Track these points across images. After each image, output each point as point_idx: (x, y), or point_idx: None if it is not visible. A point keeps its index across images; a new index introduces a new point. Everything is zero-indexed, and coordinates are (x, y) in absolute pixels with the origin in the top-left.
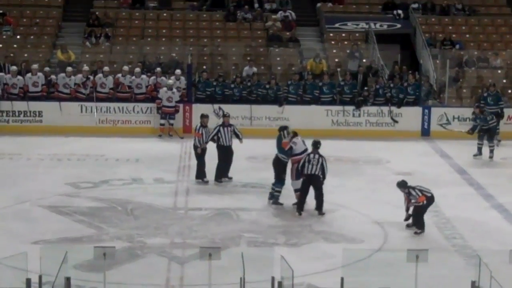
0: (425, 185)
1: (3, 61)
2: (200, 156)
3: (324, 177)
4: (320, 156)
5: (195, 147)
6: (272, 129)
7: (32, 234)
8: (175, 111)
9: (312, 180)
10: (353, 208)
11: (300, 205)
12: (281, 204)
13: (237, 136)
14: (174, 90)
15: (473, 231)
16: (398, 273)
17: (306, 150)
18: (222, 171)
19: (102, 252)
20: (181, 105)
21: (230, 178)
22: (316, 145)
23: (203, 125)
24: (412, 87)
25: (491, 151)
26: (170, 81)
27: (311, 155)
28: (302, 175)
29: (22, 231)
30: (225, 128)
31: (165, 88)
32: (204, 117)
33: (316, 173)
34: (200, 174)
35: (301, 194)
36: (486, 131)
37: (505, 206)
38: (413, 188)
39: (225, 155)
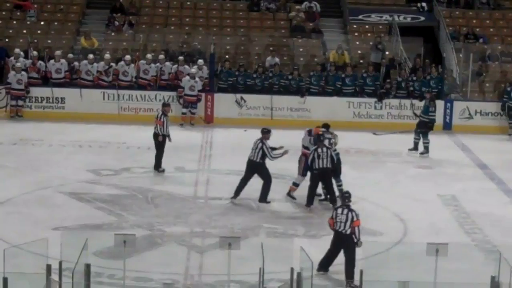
0: (446, 178)
1: (26, 47)
2: (160, 145)
3: (333, 170)
4: (328, 148)
5: (156, 136)
6: (293, 120)
7: (53, 220)
8: (197, 100)
9: (325, 174)
10: (373, 201)
11: (310, 199)
12: (295, 198)
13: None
14: (197, 79)
15: (493, 226)
16: (418, 266)
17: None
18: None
19: (122, 239)
20: (203, 95)
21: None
22: (320, 138)
23: (165, 114)
24: (435, 81)
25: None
26: (193, 70)
27: (319, 150)
28: (312, 170)
29: (43, 217)
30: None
31: (187, 77)
32: (166, 105)
33: (327, 166)
34: (158, 164)
35: (312, 188)
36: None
37: None
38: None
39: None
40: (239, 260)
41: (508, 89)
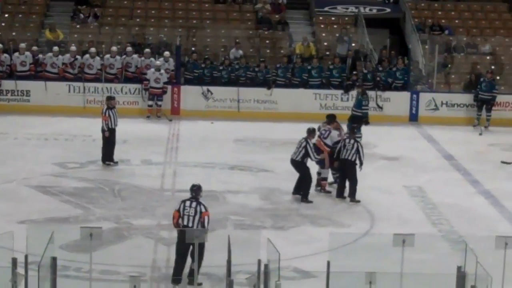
0: (413, 170)
1: None
2: (108, 139)
3: (361, 163)
4: (356, 141)
5: (103, 131)
6: (260, 112)
7: (18, 214)
8: (163, 92)
9: (346, 165)
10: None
11: (340, 190)
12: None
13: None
14: (162, 71)
15: (459, 217)
16: (384, 257)
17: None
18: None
19: (88, 232)
20: (169, 87)
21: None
22: (353, 130)
23: (110, 107)
24: (401, 72)
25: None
26: (158, 62)
27: (347, 140)
28: (337, 161)
29: (9, 210)
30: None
31: (152, 69)
32: (110, 99)
33: (350, 158)
34: (108, 157)
35: (341, 179)
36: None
37: (491, 192)
38: None
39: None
40: (206, 252)
41: (481, 79)
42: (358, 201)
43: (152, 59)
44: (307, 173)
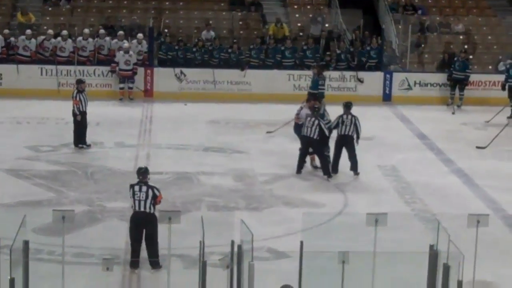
0: (386, 150)
1: None
2: (80, 123)
3: (358, 137)
4: (353, 116)
5: (74, 115)
6: (234, 93)
7: None
8: (133, 74)
9: (345, 140)
10: (314, 173)
11: (335, 167)
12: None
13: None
14: (131, 53)
15: (432, 196)
16: (358, 236)
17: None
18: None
19: (61, 215)
20: (142, 69)
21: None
22: (348, 105)
23: (80, 91)
24: (375, 51)
25: None
26: (126, 44)
27: (344, 116)
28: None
29: None
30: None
31: (121, 52)
32: (80, 82)
33: (350, 133)
34: (80, 140)
35: (335, 155)
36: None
37: (464, 171)
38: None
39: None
40: (180, 234)
41: (455, 59)
42: (359, 173)
43: (125, 41)
44: (323, 150)
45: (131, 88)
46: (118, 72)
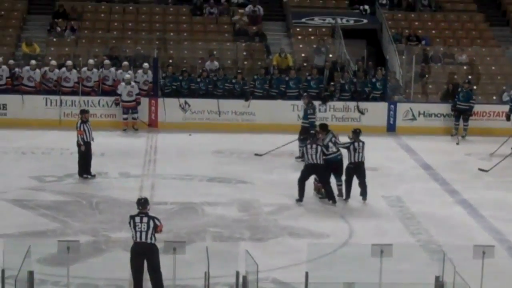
0: (391, 180)
1: None
2: (84, 152)
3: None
4: (363, 142)
5: (79, 145)
6: (238, 123)
7: None
8: (137, 104)
9: (359, 167)
10: (319, 203)
11: (348, 193)
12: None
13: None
14: (133, 83)
15: (437, 227)
16: (363, 267)
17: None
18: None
19: (66, 246)
20: (147, 99)
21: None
22: (358, 132)
23: (84, 121)
24: (380, 83)
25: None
26: (128, 75)
27: (356, 144)
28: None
29: None
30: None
31: (123, 83)
32: (84, 112)
33: (362, 160)
34: (85, 170)
35: (348, 181)
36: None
37: (469, 201)
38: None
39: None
40: (185, 264)
41: (459, 89)
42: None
43: (129, 72)
44: (327, 176)
45: (135, 118)
46: (121, 103)
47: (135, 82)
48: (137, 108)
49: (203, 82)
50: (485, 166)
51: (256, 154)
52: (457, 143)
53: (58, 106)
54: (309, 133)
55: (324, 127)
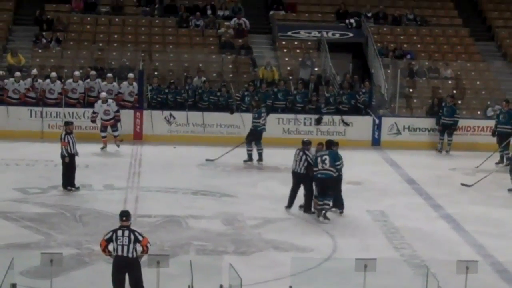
0: (375, 194)
1: None
2: (68, 164)
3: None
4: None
5: (63, 156)
6: (223, 136)
7: None
8: (116, 121)
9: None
10: (303, 217)
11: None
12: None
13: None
14: (110, 101)
15: (421, 241)
16: (347, 282)
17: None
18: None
19: (49, 258)
20: (132, 112)
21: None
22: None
23: (68, 132)
24: (367, 95)
25: (259, 155)
26: (104, 94)
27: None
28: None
29: None
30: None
31: (99, 102)
32: (69, 124)
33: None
34: (69, 182)
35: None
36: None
37: (453, 216)
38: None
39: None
40: (168, 277)
41: (443, 104)
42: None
43: (114, 83)
44: (310, 184)
45: (116, 136)
46: (100, 121)
47: (120, 93)
48: (117, 125)
49: (187, 94)
50: (469, 180)
51: (207, 160)
52: (440, 151)
53: (43, 117)
54: (254, 136)
55: (328, 143)
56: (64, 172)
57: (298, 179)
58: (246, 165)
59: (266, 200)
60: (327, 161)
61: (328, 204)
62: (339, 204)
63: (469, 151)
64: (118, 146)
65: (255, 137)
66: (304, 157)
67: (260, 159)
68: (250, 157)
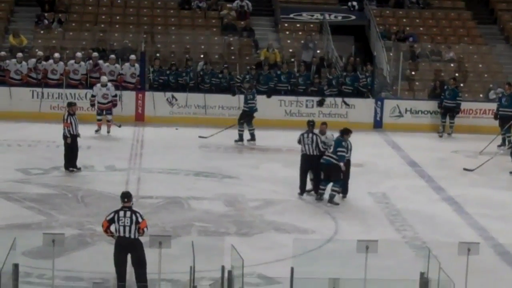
0: (377, 177)
1: None
2: (70, 146)
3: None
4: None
5: (65, 137)
6: (225, 118)
7: None
8: (113, 106)
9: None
10: (305, 199)
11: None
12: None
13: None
14: (109, 85)
15: (423, 223)
16: (348, 263)
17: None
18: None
19: (51, 239)
20: (134, 93)
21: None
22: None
23: (71, 113)
24: (370, 78)
25: (251, 135)
26: (104, 78)
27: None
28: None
29: None
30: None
31: (99, 85)
32: (71, 105)
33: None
34: (71, 163)
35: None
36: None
37: (455, 198)
38: None
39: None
40: (170, 258)
41: (445, 87)
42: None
43: (117, 65)
44: (319, 168)
45: (109, 121)
46: (97, 104)
47: (121, 75)
48: (112, 110)
49: (189, 76)
50: (471, 163)
51: (200, 137)
52: (440, 136)
53: (45, 98)
54: (248, 117)
55: (342, 130)
56: (66, 153)
57: (311, 162)
58: (245, 145)
59: (268, 182)
60: (332, 148)
61: (337, 190)
62: (343, 189)
63: (471, 134)
64: (119, 126)
65: (249, 118)
66: (315, 138)
67: (252, 138)
68: (241, 138)
